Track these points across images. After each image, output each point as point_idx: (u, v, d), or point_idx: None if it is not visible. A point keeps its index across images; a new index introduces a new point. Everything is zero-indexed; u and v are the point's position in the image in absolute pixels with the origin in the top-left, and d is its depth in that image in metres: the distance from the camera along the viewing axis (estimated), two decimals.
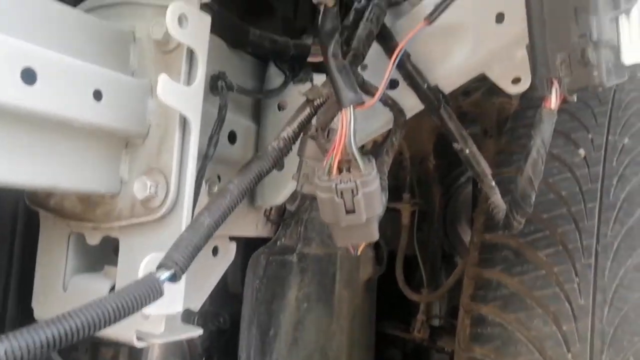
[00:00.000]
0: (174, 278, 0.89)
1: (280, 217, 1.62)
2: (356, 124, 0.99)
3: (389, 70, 1.07)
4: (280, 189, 1.44)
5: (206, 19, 1.08)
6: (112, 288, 1.14)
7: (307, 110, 1.10)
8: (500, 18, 1.21)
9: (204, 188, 1.28)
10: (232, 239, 1.44)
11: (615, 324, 1.20)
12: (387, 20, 1.32)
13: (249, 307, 1.58)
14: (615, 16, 0.92)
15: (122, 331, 1.09)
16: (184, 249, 0.90)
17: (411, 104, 1.30)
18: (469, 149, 1.23)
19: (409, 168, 2.30)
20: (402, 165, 2.33)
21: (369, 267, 2.05)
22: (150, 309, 0.98)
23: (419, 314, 2.25)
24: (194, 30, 1.04)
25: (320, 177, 0.98)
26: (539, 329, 1.25)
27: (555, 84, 0.97)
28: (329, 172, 0.98)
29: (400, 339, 2.38)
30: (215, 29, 1.31)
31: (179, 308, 1.04)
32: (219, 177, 1.37)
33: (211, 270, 1.37)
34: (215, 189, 1.35)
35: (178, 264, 0.89)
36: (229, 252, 1.42)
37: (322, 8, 1.04)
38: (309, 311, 1.81)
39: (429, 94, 1.25)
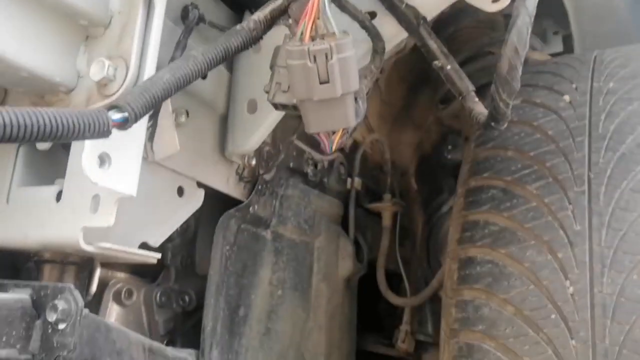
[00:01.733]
0: (125, 122, 0.79)
1: (254, 178, 1.52)
2: None
3: None
4: (251, 133, 1.36)
5: None
6: (59, 194, 1.03)
7: (280, 1, 1.04)
8: None
9: (171, 116, 1.20)
10: (201, 186, 1.35)
11: (614, 246, 1.09)
12: None
13: (217, 273, 1.44)
14: None
15: (67, 231, 0.97)
16: (140, 95, 0.81)
17: (391, 32, 1.26)
18: (450, 64, 1.18)
19: (390, 171, 2.22)
20: (383, 169, 2.26)
21: (349, 263, 1.92)
22: (98, 177, 0.88)
23: (402, 324, 2.09)
24: None
25: (292, 44, 0.91)
26: (533, 260, 1.14)
27: None
28: (301, 38, 0.92)
29: (384, 357, 2.20)
30: None
31: (132, 190, 0.93)
32: (187, 112, 1.29)
33: (175, 210, 1.26)
34: (183, 119, 1.27)
35: (132, 107, 0.79)
36: (196, 197, 1.32)
37: None
38: (284, 300, 1.67)
39: (407, 13, 1.21)
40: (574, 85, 1.41)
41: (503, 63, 0.94)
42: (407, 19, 1.21)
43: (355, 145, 2.11)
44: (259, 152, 1.53)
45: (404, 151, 2.53)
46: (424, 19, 1.22)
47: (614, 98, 1.31)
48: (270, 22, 1.03)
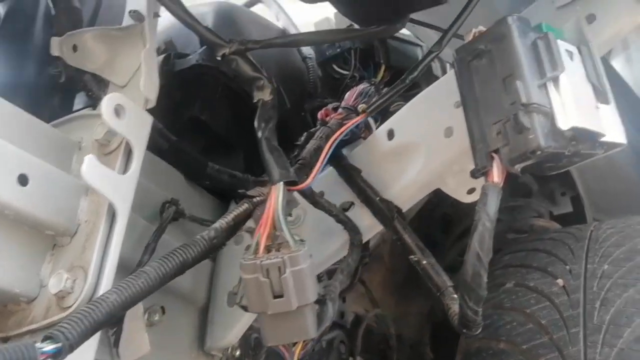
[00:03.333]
0: (58, 354, 0.76)
1: None
2: (284, 201, 0.93)
3: (326, 150, 1.04)
4: (231, 327, 1.31)
5: (147, 118, 1.09)
6: None
7: (245, 206, 1.05)
8: (448, 132, 1.21)
9: (141, 317, 1.17)
10: None
11: None
12: (344, 150, 1.35)
13: None
14: (543, 83, 0.92)
15: None
16: (78, 322, 0.78)
17: (367, 224, 1.25)
18: (426, 260, 1.14)
19: (395, 346, 2.11)
20: (389, 344, 2.15)
21: None
22: None
23: None
24: (132, 125, 1.04)
25: (246, 257, 0.90)
26: None
27: (496, 158, 0.93)
28: (256, 250, 0.90)
29: None
30: (172, 160, 1.34)
31: None
32: (162, 309, 1.26)
33: None
34: (157, 317, 1.23)
35: (67, 337, 0.76)
36: None
37: (260, 103, 1.05)
38: None
39: (381, 207, 1.20)
40: (568, 267, 1.35)
41: (466, 269, 0.90)
42: (382, 212, 1.20)
43: (358, 319, 2.03)
44: (244, 339, 1.46)
45: (413, 321, 2.43)
46: (399, 211, 1.21)
47: (608, 283, 1.25)
48: (233, 229, 1.02)
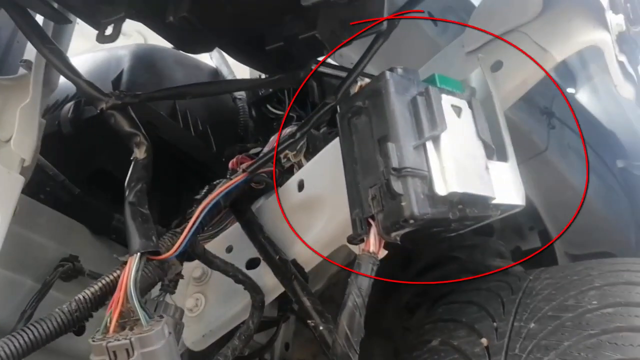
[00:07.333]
0: None
1: None
2: (139, 274, 0.86)
3: (197, 215, 0.97)
4: None
5: (17, 180, 1.02)
6: None
7: (117, 272, 0.97)
8: None
9: None
10: None
11: None
12: (261, 199, 1.29)
13: None
14: (421, 144, 0.84)
15: None
16: None
17: (272, 284, 1.17)
18: (322, 325, 1.06)
19: None
20: None
21: None
22: None
23: None
24: None
25: (96, 336, 0.82)
26: None
27: (373, 225, 0.85)
28: (105, 329, 0.82)
29: None
30: (75, 214, 1.27)
31: None
32: None
33: None
34: None
35: None
36: None
37: (133, 161, 0.98)
38: None
39: (280, 265, 1.12)
40: (495, 325, 1.27)
41: (335, 349, 0.82)
42: (281, 270, 1.12)
43: None
44: None
45: None
46: (301, 271, 1.14)
47: (531, 345, 1.16)
48: (100, 299, 0.94)
